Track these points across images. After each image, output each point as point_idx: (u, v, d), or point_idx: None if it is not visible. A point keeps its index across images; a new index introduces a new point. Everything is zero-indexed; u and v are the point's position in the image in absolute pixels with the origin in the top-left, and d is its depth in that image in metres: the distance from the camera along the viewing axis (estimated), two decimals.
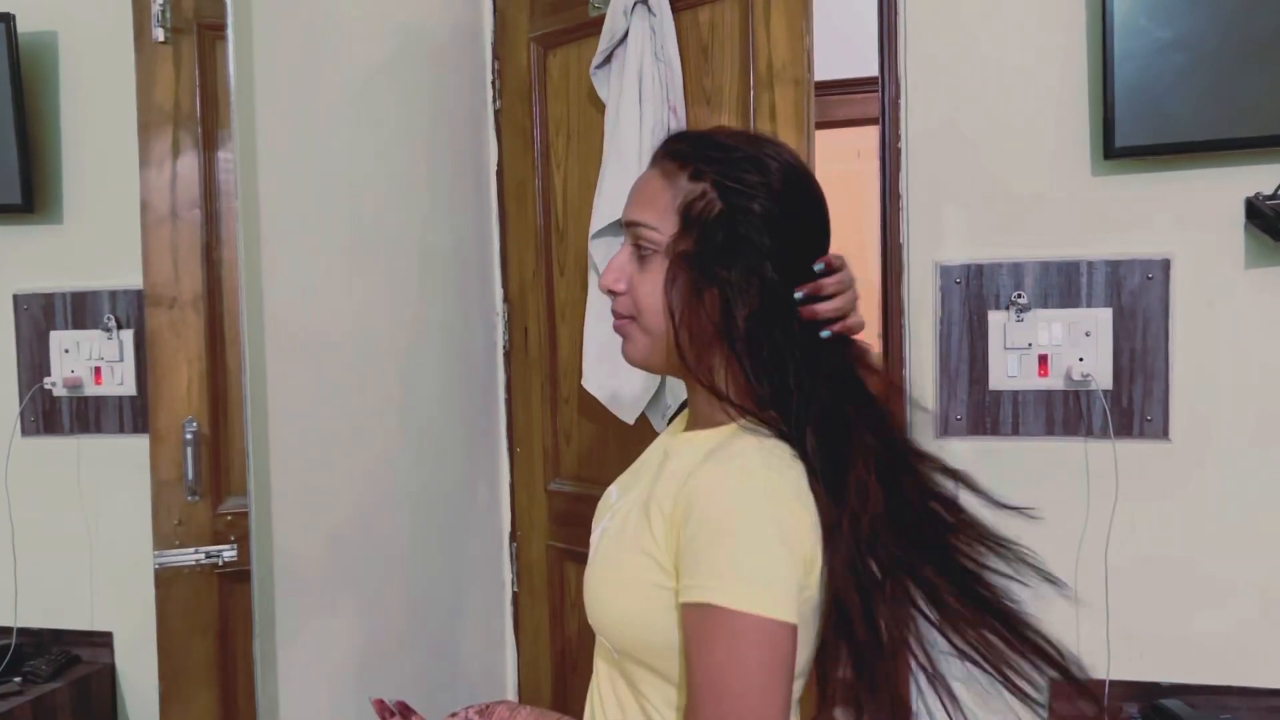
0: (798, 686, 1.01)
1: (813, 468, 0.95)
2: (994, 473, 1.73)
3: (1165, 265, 1.68)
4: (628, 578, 0.97)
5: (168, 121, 1.77)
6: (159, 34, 1.73)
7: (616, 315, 1.03)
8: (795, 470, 0.94)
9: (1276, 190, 1.61)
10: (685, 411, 1.14)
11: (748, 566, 0.88)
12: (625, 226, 1.03)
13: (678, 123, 1.63)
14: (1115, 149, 1.64)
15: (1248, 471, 1.65)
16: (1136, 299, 1.69)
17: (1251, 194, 1.62)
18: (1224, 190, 1.64)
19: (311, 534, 1.58)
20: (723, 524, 0.89)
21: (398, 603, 1.81)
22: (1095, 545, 1.71)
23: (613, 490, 1.13)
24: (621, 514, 1.04)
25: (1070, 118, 1.71)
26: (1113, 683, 1.68)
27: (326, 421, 1.61)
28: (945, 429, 1.78)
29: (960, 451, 1.78)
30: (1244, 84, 1.59)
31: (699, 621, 0.88)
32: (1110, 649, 1.69)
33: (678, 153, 1.00)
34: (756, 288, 0.96)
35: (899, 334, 1.79)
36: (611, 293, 1.02)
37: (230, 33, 1.47)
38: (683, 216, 0.97)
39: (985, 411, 1.77)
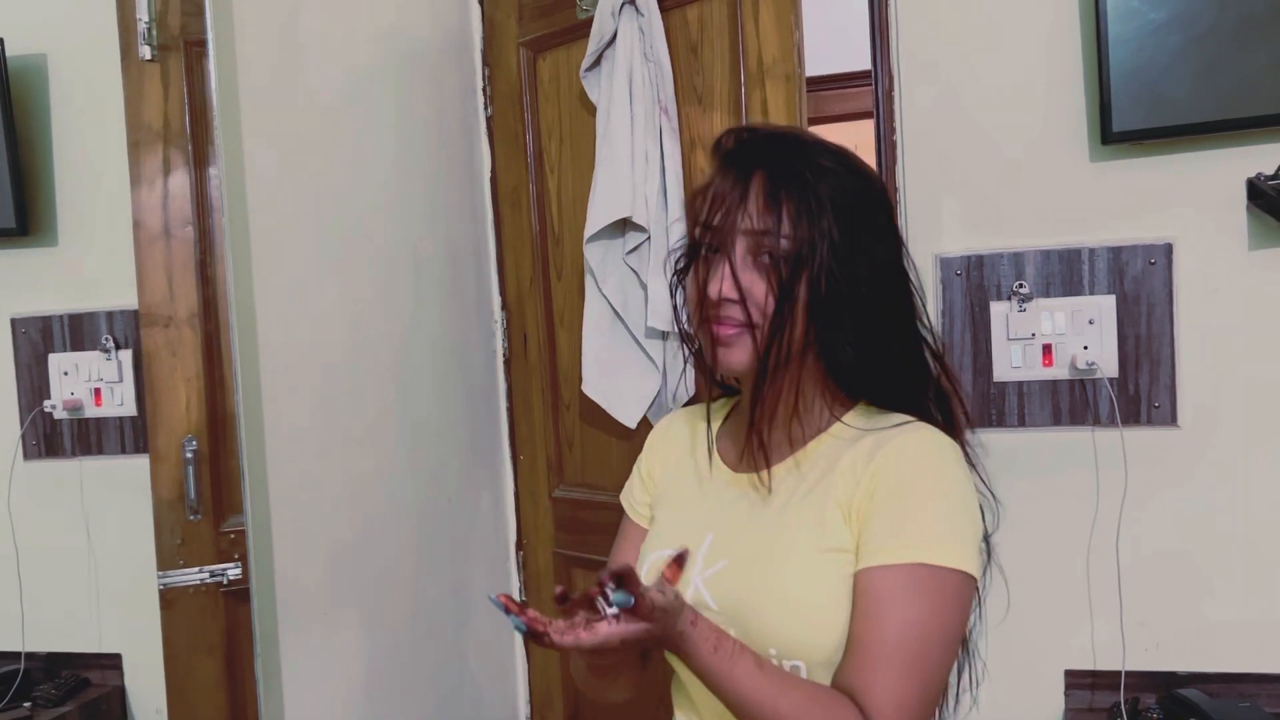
0: None
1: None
2: (1001, 464, 1.73)
3: (1168, 250, 1.66)
4: (823, 588, 0.96)
5: (157, 139, 1.76)
6: (145, 52, 1.72)
7: (726, 321, 0.99)
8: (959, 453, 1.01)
9: (1278, 170, 1.59)
10: (659, 454, 1.20)
11: (955, 526, 0.94)
12: (736, 234, 0.98)
13: (669, 123, 1.62)
14: (1113, 134, 1.62)
15: (1259, 455, 1.63)
16: (1140, 285, 1.67)
17: (1253, 175, 1.60)
18: (1225, 172, 1.62)
19: (313, 550, 1.57)
20: (932, 486, 0.95)
21: (403, 616, 1.80)
22: (1106, 535, 1.69)
23: (665, 553, 1.06)
24: (752, 547, 1.02)
25: (1066, 104, 1.69)
26: (1129, 673, 1.66)
27: (324, 436, 1.60)
28: None
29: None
30: (1241, 63, 1.57)
31: (902, 577, 0.92)
32: (1125, 639, 1.67)
33: (780, 160, 1.00)
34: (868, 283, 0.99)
35: None
36: (725, 301, 0.99)
37: (211, 48, 1.47)
38: (801, 223, 0.96)
39: (990, 403, 1.75)
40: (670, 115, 1.62)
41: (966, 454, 1.02)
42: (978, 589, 0.98)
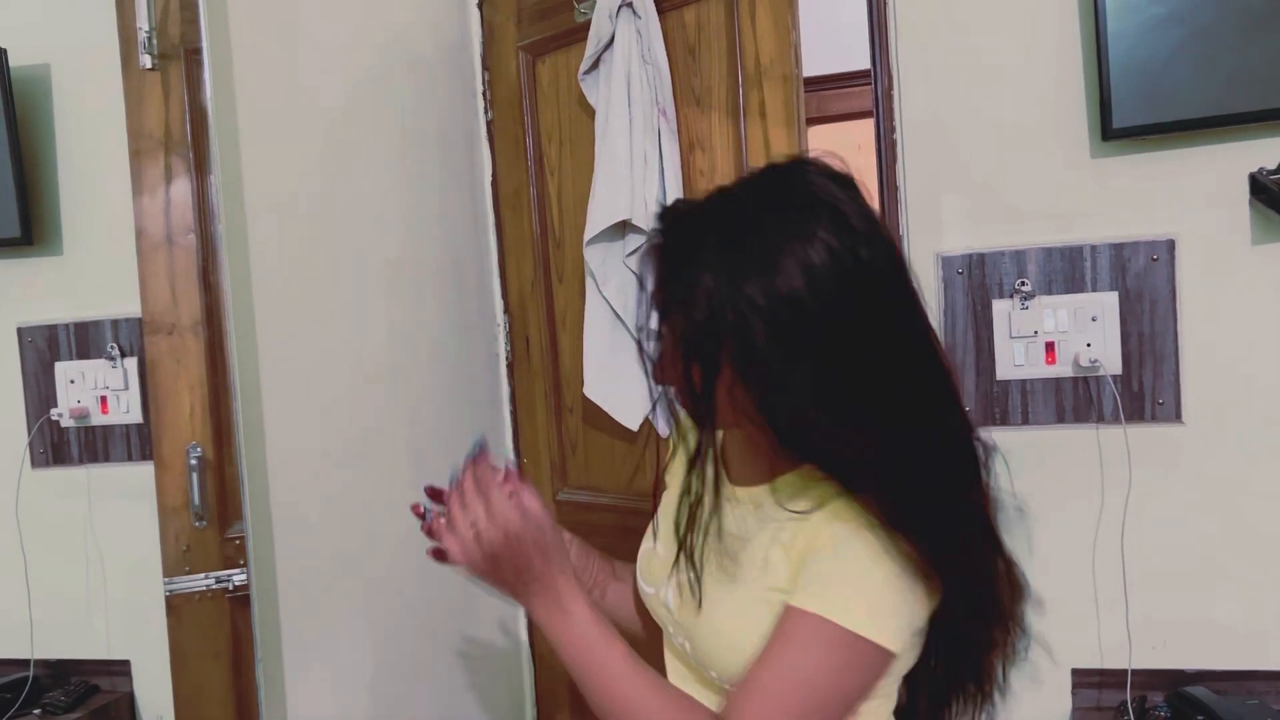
0: (881, 707, 1.03)
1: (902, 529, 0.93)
2: (1006, 463, 1.73)
3: (1170, 246, 1.65)
4: (759, 623, 0.96)
5: (159, 147, 1.77)
6: (146, 61, 1.73)
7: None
8: None
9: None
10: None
11: (875, 595, 0.91)
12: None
13: (668, 124, 1.62)
14: (1113, 130, 1.61)
15: (1264, 451, 1.62)
16: (1142, 281, 1.67)
17: (1255, 169, 1.59)
18: (1226, 166, 1.61)
19: (316, 556, 1.57)
20: (859, 554, 0.92)
21: (408, 622, 1.80)
22: (1111, 532, 1.68)
23: (660, 549, 1.12)
24: (727, 571, 1.01)
25: (1066, 100, 1.68)
26: (1135, 671, 1.66)
27: (326, 442, 1.61)
28: None
29: None
30: (1242, 57, 1.56)
31: (808, 625, 0.91)
32: (1131, 637, 1.67)
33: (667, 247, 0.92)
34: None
35: None
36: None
37: (206, 58, 1.48)
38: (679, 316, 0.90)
39: (994, 402, 1.74)
40: (669, 117, 1.62)
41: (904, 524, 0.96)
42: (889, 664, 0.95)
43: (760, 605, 0.96)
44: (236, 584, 1.76)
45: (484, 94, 1.97)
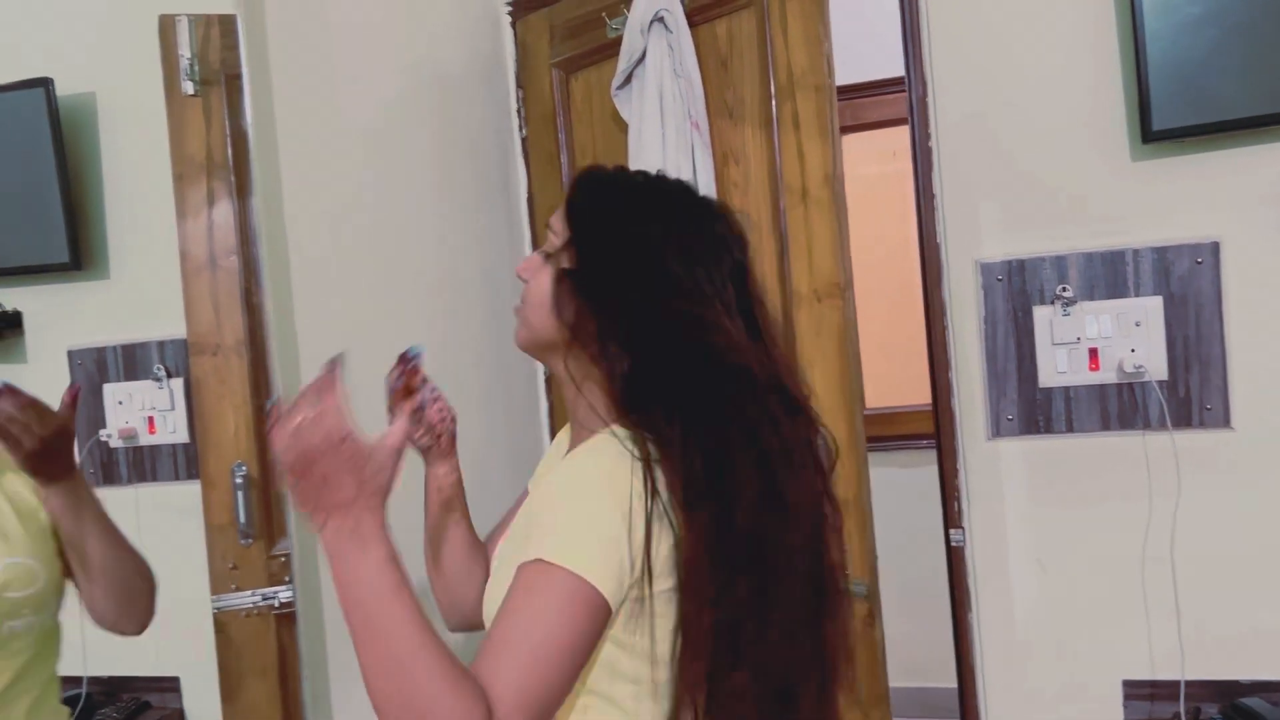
0: (659, 673, 1.02)
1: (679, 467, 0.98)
2: (1050, 471, 1.72)
3: (1214, 248, 1.62)
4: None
5: (201, 171, 1.80)
6: (188, 87, 1.77)
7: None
8: (638, 467, 0.98)
9: None
10: (563, 438, 1.23)
11: (573, 530, 0.95)
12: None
13: (701, 137, 1.62)
14: (1153, 132, 1.59)
15: None
16: (1187, 285, 1.64)
17: None
18: (1270, 167, 1.59)
19: None
20: (558, 496, 0.99)
21: (454, 637, 1.80)
22: (1160, 541, 1.65)
23: (501, 546, 1.22)
24: (506, 554, 1.11)
25: (1104, 103, 1.66)
26: (1189, 683, 1.62)
27: None
28: (997, 430, 1.73)
29: (1014, 452, 1.73)
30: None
31: (526, 574, 0.94)
32: (1184, 648, 1.63)
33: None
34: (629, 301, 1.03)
35: (942, 336, 1.75)
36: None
37: (246, 83, 1.50)
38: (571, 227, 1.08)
39: (1037, 409, 1.72)
40: (702, 130, 1.62)
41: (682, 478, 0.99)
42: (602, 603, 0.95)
43: (505, 574, 1.00)
44: (282, 600, 1.78)
45: (519, 111, 1.99)
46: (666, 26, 1.63)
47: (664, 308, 1.03)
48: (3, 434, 1.17)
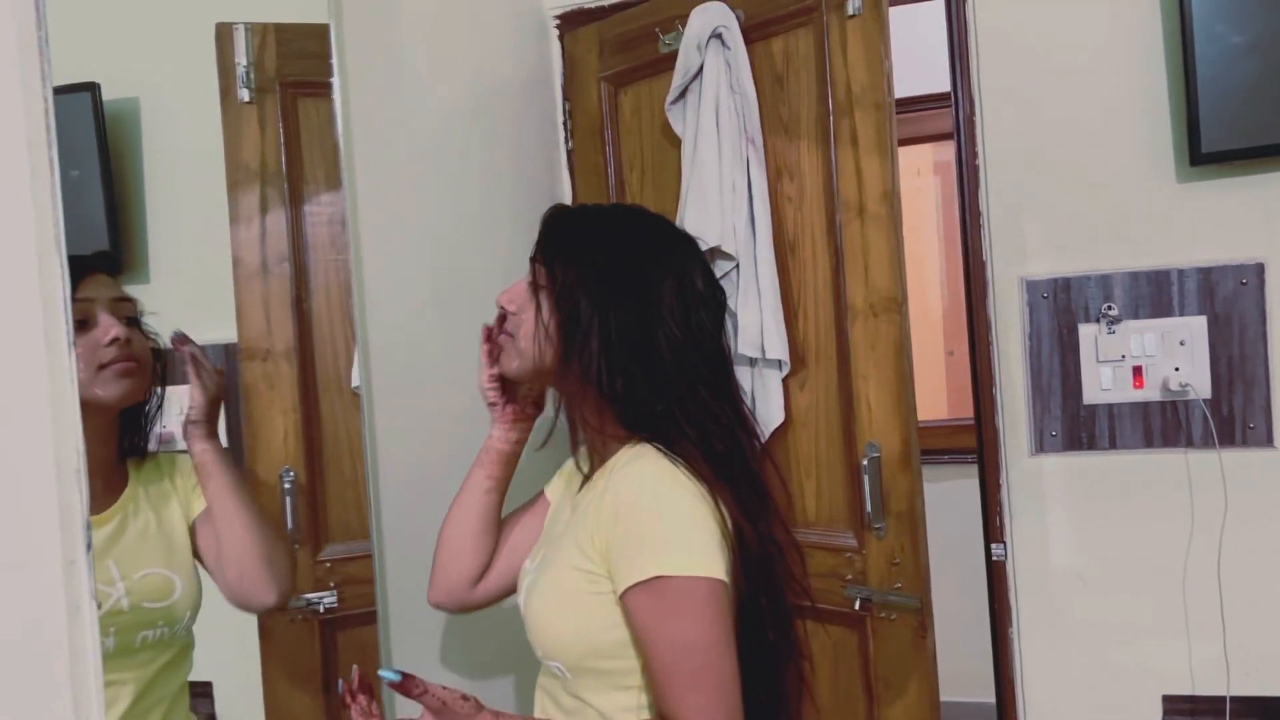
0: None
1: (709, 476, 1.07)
2: (1093, 488, 1.74)
3: (1259, 270, 1.65)
4: (567, 597, 1.08)
5: (255, 179, 1.81)
6: (244, 94, 1.78)
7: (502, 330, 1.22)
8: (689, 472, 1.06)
9: None
10: (563, 475, 1.32)
11: (682, 537, 1.01)
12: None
13: (756, 152, 1.64)
14: (1201, 155, 1.62)
15: None
16: (1231, 305, 1.66)
17: None
18: None
19: (423, 579, 1.59)
20: (650, 509, 1.02)
21: (512, 645, 1.80)
22: (1203, 558, 1.67)
23: (525, 565, 1.25)
24: (545, 562, 1.16)
25: (1153, 124, 1.69)
26: (1232, 699, 1.64)
27: (430, 467, 1.63)
28: (1040, 445, 1.75)
29: (1057, 467, 1.75)
30: None
31: (650, 597, 1.00)
32: (1229, 665, 1.65)
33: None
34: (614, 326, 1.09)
35: (987, 351, 1.78)
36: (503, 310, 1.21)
37: (337, 94, 1.51)
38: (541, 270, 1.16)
39: (1080, 426, 1.74)
40: (756, 145, 1.64)
41: (723, 485, 1.07)
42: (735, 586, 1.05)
43: (570, 582, 1.08)
44: (326, 606, 1.79)
45: (565, 124, 2.01)
46: (724, 43, 1.65)
47: (647, 326, 1.09)
48: (197, 371, 1.33)
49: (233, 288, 1.78)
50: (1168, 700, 1.70)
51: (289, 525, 1.76)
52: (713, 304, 1.13)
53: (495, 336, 1.25)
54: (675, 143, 1.78)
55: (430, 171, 1.68)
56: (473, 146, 1.78)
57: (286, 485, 1.78)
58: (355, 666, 1.02)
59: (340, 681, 1.03)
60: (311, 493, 1.80)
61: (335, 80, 1.51)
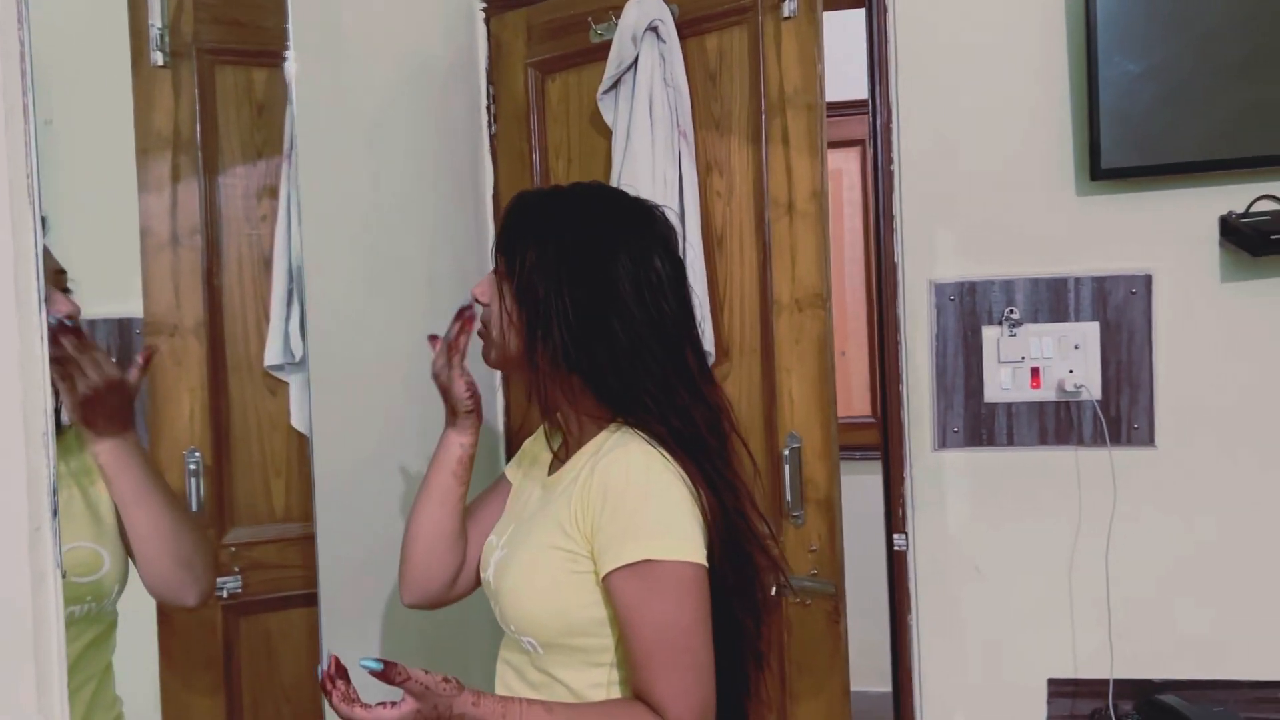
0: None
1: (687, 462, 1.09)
2: (991, 482, 1.83)
3: (1147, 281, 1.76)
4: (545, 576, 1.11)
5: (166, 147, 1.74)
6: (157, 58, 1.71)
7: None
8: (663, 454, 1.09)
9: (1248, 208, 1.71)
10: (524, 456, 1.32)
11: (670, 522, 1.05)
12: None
13: (687, 147, 1.67)
14: (1101, 171, 1.72)
15: (1227, 474, 1.74)
16: (1121, 313, 1.78)
17: (1225, 212, 1.72)
18: (1200, 209, 1.73)
19: (349, 560, 1.56)
20: (639, 494, 1.05)
21: (436, 626, 1.78)
22: (1089, 549, 1.78)
23: (491, 539, 1.26)
24: (517, 539, 1.18)
25: (1056, 140, 1.79)
26: (1114, 681, 1.75)
27: (358, 448, 1.60)
28: (943, 441, 1.84)
29: (958, 462, 1.84)
30: (1215, 109, 1.69)
31: (637, 580, 1.03)
32: (1112, 650, 1.76)
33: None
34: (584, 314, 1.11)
35: (895, 350, 1.85)
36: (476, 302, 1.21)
37: (291, 65, 1.46)
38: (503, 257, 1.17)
39: (981, 423, 1.83)
40: (689, 140, 1.67)
41: (696, 465, 1.10)
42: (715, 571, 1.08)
43: (548, 561, 1.10)
44: (230, 591, 1.73)
45: (489, 108, 2.00)
46: (659, 36, 1.67)
47: (605, 309, 1.10)
48: (59, 370, 1.15)
49: (140, 260, 1.71)
50: (1053, 683, 1.81)
51: (193, 509, 1.70)
52: (675, 285, 1.14)
53: (456, 335, 1.24)
54: (604, 133, 1.79)
55: (364, 149, 1.65)
56: (403, 126, 1.76)
57: (191, 466, 1.71)
58: (331, 654, 1.01)
59: (319, 669, 1.01)
60: (218, 475, 1.74)
61: (290, 49, 1.46)
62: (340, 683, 1.00)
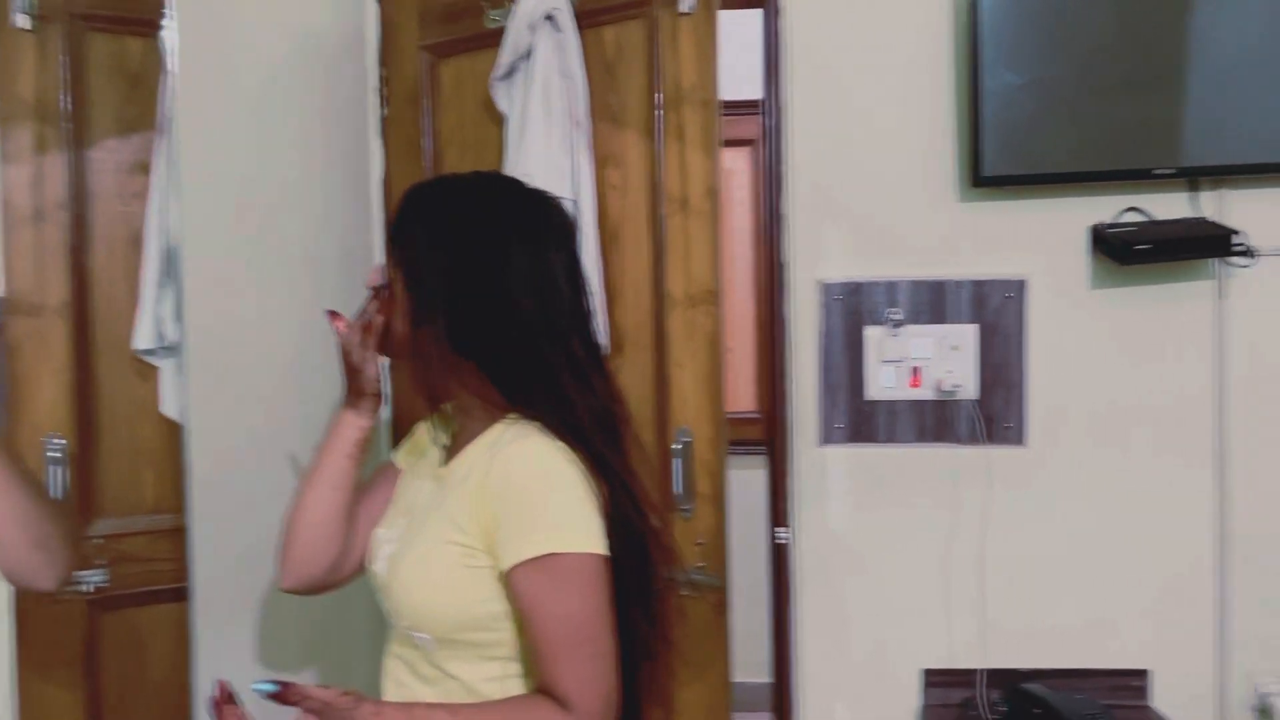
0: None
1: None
2: (872, 478, 1.88)
3: (1021, 285, 1.83)
4: (440, 571, 1.08)
5: (30, 116, 1.64)
6: (22, 21, 1.61)
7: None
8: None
9: (1117, 219, 1.80)
10: (413, 444, 1.29)
11: (572, 514, 1.05)
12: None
13: (584, 137, 1.66)
14: (982, 178, 1.78)
15: (1090, 472, 1.83)
16: (998, 316, 1.84)
17: (1095, 222, 1.80)
18: (1074, 218, 1.82)
19: (224, 554, 1.50)
20: (539, 486, 1.05)
21: (314, 623, 1.72)
22: (966, 543, 1.85)
23: (380, 532, 1.23)
24: (410, 532, 1.15)
25: (941, 148, 1.84)
26: (979, 671, 1.82)
27: (234, 437, 1.54)
28: (827, 437, 1.87)
29: (840, 458, 1.88)
30: (1091, 123, 1.77)
31: (541, 573, 1.03)
32: (979, 640, 1.83)
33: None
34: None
35: (782, 348, 1.88)
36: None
37: (171, 32, 1.39)
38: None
39: (863, 420, 1.88)
40: (585, 131, 1.66)
41: (591, 457, 1.09)
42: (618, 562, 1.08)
43: (442, 555, 1.08)
44: (96, 585, 1.65)
45: (381, 90, 1.94)
46: (556, 25, 1.65)
47: (497, 300, 1.09)
48: None
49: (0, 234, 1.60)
50: (927, 673, 1.87)
51: (56, 497, 1.61)
52: (570, 276, 1.13)
53: (372, 315, 1.20)
54: (498, 120, 1.77)
55: (246, 126, 1.59)
56: (288, 104, 1.70)
57: (55, 454, 1.62)
58: (218, 680, 0.97)
59: (209, 698, 0.98)
60: (83, 463, 1.66)
61: (168, 20, 1.39)
62: (230, 709, 0.96)
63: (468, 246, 1.10)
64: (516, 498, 1.05)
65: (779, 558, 1.91)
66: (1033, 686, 1.76)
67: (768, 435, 1.93)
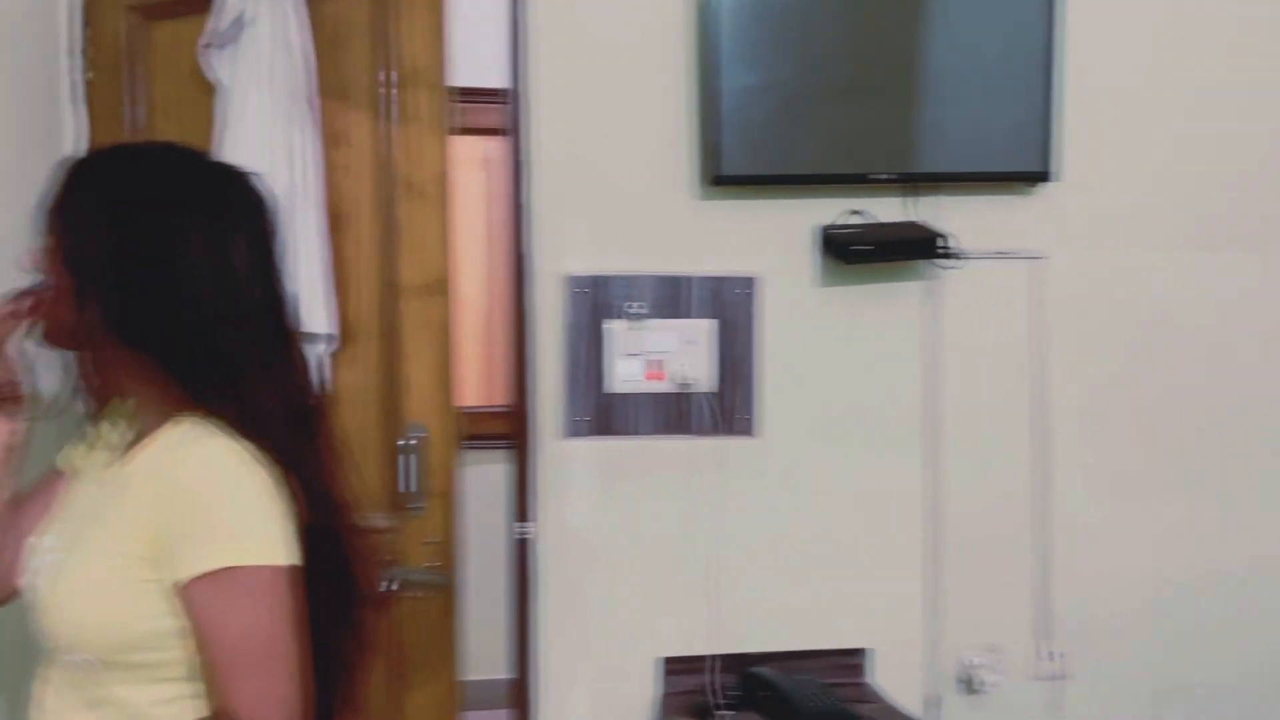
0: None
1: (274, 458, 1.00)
2: (614, 469, 1.88)
3: (754, 282, 1.89)
4: (101, 585, 0.98)
5: None
6: None
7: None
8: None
9: (837, 221, 1.88)
10: (89, 444, 1.15)
11: (253, 524, 0.96)
12: None
13: (312, 113, 1.56)
14: (719, 176, 1.82)
15: (814, 461, 1.92)
16: (733, 312, 1.89)
17: (824, 223, 1.88)
18: (804, 218, 1.89)
19: None
20: (216, 492, 0.97)
21: None
22: (702, 533, 1.88)
23: (32, 541, 1.11)
24: (66, 543, 1.04)
25: (682, 145, 1.87)
26: (715, 656, 1.86)
27: None
28: (571, 430, 1.86)
29: (583, 450, 1.87)
30: (821, 127, 1.84)
31: (216, 588, 0.94)
32: (713, 627, 1.87)
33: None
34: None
35: (525, 341, 1.85)
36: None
37: None
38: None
39: (604, 412, 1.88)
40: (313, 106, 1.56)
41: (281, 457, 1.01)
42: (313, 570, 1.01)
43: (107, 569, 0.98)
44: None
45: (83, 51, 1.76)
46: None
47: (169, 287, 0.99)
48: None
49: None
50: (665, 661, 1.89)
51: None
52: (256, 256, 1.04)
53: (19, 310, 1.07)
54: (213, 91, 1.64)
55: None
56: None
57: None
58: None
59: None
60: None
61: None
62: None
63: (132, 221, 0.99)
64: (190, 506, 0.95)
65: (521, 553, 1.88)
66: (761, 670, 1.81)
67: (512, 429, 1.89)
